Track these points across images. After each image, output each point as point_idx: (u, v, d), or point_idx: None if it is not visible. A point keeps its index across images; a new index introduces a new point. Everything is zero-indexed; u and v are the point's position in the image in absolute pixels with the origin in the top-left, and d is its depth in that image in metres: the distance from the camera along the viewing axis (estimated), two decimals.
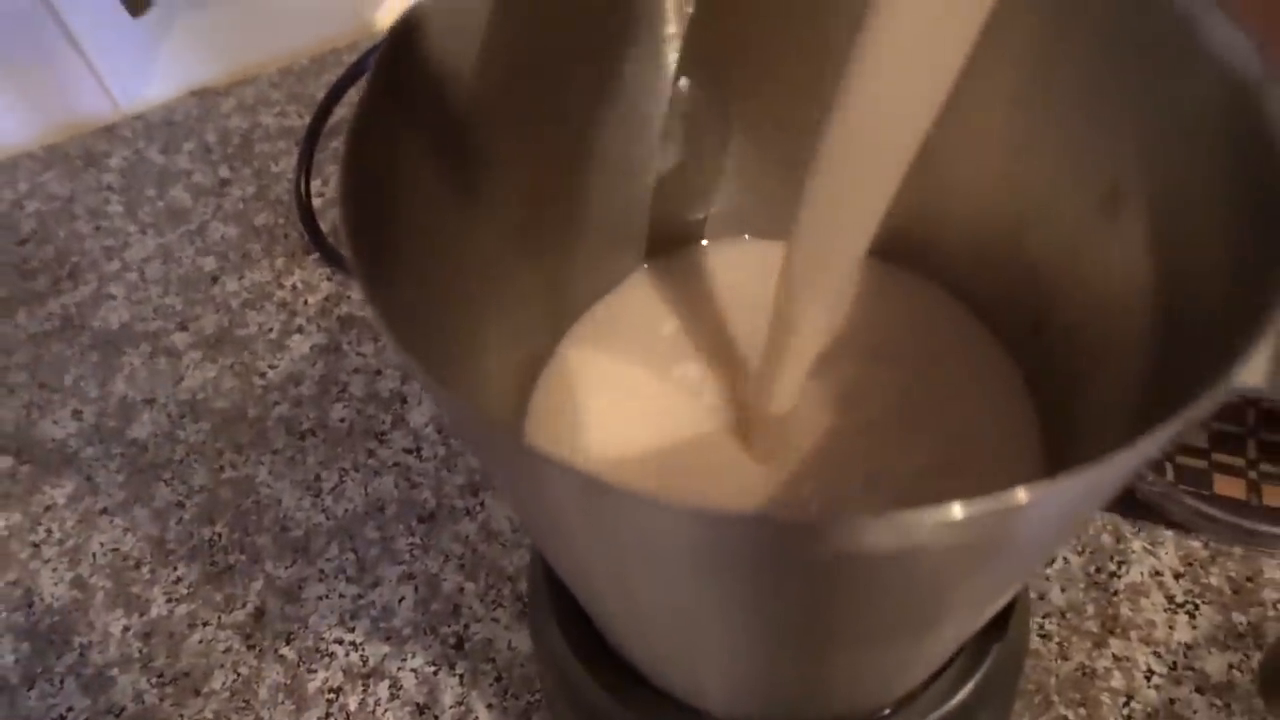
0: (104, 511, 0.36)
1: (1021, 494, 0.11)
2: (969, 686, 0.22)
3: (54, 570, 0.35)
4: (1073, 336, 0.21)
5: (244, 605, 0.33)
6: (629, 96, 0.22)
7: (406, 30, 0.18)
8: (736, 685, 0.19)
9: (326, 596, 0.33)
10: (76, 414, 0.39)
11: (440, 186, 0.20)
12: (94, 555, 0.35)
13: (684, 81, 0.22)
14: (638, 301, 0.25)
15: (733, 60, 0.22)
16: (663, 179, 0.24)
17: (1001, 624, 0.23)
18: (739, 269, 0.25)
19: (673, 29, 0.22)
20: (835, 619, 0.16)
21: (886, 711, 0.22)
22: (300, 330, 0.41)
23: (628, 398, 0.23)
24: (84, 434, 0.38)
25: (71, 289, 0.43)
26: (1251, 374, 0.13)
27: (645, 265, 0.26)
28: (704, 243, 0.26)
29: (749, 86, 0.23)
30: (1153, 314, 0.18)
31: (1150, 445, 0.12)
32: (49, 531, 0.36)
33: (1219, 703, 0.29)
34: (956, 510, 0.11)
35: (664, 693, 0.22)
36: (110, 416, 0.39)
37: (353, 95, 0.50)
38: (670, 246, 0.25)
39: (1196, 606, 0.30)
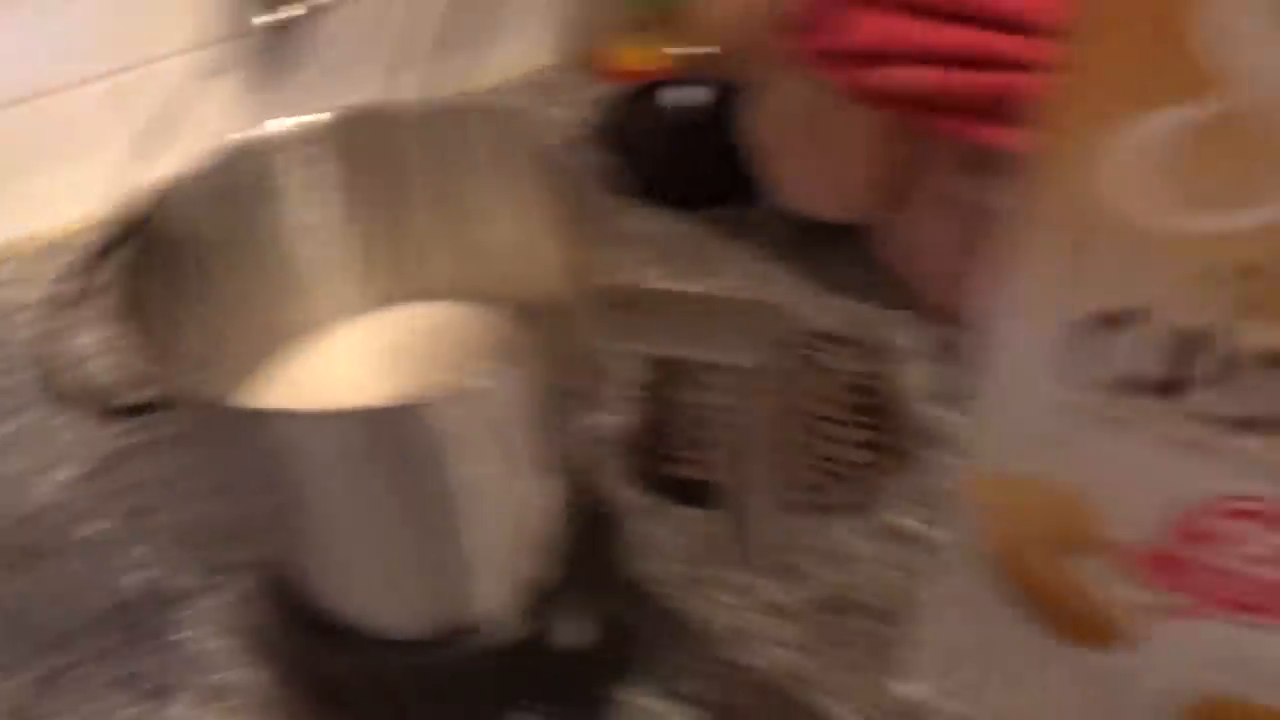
0: None
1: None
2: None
3: None
4: None
5: (8, 697, 0.38)
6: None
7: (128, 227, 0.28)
8: (363, 590, 0.29)
9: (88, 675, 0.39)
10: None
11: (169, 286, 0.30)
12: None
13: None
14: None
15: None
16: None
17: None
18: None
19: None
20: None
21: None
22: (52, 468, 0.47)
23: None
24: None
25: None
26: None
27: None
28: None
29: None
30: None
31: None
32: None
33: None
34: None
35: (331, 622, 0.31)
36: None
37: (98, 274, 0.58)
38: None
39: None
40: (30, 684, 0.39)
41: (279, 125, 0.29)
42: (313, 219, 0.32)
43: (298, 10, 0.60)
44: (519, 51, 0.73)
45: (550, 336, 0.25)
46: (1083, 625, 0.25)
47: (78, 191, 0.60)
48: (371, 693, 0.31)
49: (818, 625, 0.40)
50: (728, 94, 0.61)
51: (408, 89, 0.66)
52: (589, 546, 0.34)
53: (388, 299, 0.34)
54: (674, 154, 0.63)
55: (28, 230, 0.60)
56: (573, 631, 0.33)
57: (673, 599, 0.42)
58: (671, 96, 0.64)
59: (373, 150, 0.31)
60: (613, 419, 0.49)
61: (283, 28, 0.61)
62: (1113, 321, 0.20)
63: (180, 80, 0.61)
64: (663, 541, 0.44)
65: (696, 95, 0.63)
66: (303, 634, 0.31)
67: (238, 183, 0.29)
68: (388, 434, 0.23)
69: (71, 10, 0.55)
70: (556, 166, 0.29)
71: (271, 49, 0.63)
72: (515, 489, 0.27)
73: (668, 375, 0.51)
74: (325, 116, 0.30)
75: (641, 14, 0.72)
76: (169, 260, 0.28)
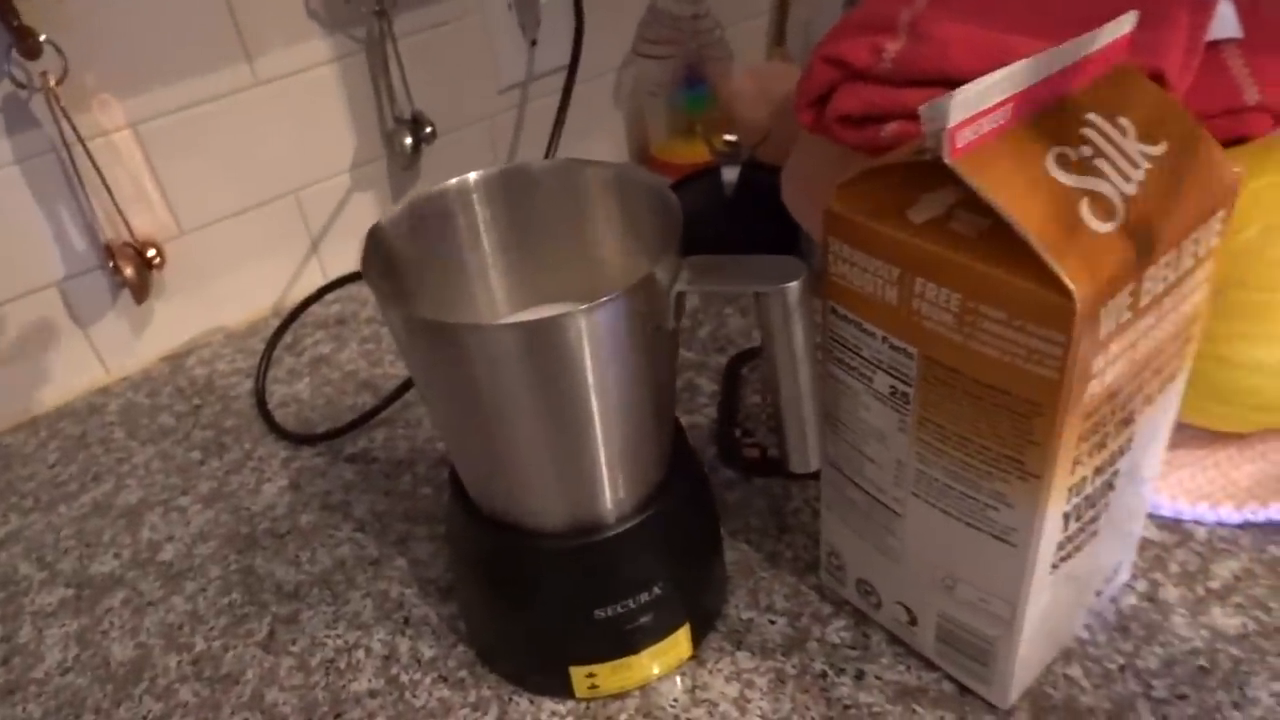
0: (150, 604, 0.53)
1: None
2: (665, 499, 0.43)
3: (119, 643, 0.51)
4: None
5: (260, 631, 0.51)
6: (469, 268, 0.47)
7: (372, 234, 0.41)
8: (527, 490, 0.40)
9: (314, 616, 0.51)
10: (117, 555, 0.56)
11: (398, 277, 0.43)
12: (147, 628, 0.52)
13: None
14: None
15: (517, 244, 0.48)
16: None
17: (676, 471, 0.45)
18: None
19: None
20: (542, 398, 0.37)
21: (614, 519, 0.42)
22: (270, 480, 0.61)
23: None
24: (124, 565, 0.56)
25: (95, 487, 0.62)
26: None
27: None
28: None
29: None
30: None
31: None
32: (110, 624, 0.52)
33: None
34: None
35: (497, 520, 0.43)
36: (142, 551, 0.56)
37: (288, 338, 0.74)
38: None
39: None
40: (273, 623, 0.51)
41: (452, 181, 0.43)
42: (475, 245, 0.45)
43: (427, 131, 0.77)
44: (597, 152, 0.89)
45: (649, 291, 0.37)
46: None
47: (264, 285, 0.77)
48: (521, 572, 0.43)
49: None
50: (762, 169, 0.75)
51: None
52: (689, 461, 0.45)
53: (526, 303, 0.47)
54: (732, 217, 0.76)
55: (224, 319, 0.76)
56: (679, 524, 0.44)
57: (756, 541, 0.52)
58: (726, 175, 0.78)
59: (517, 196, 0.44)
60: (702, 418, 0.61)
61: (417, 147, 0.77)
62: None
63: (345, 191, 0.78)
64: (745, 502, 0.55)
65: (737, 173, 0.77)
66: (475, 528, 0.43)
67: (427, 218, 0.43)
68: (540, 342, 0.35)
69: (261, 146, 0.72)
70: (648, 204, 0.42)
71: (411, 165, 0.80)
72: (635, 401, 0.39)
73: (735, 383, 0.63)
74: (485, 172, 0.43)
75: (684, 118, 0.88)
76: (386, 270, 0.41)
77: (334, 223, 0.78)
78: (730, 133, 0.78)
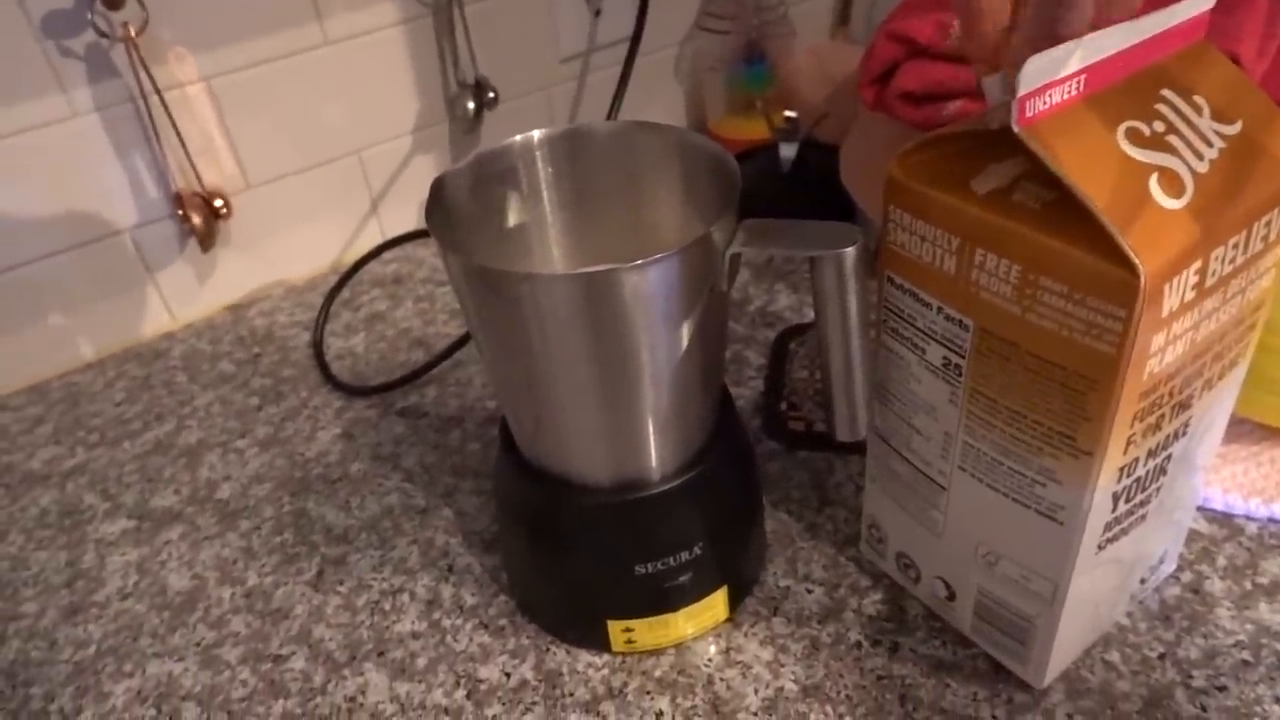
0: (206, 539, 0.55)
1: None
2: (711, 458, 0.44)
3: (176, 573, 0.53)
4: None
5: (310, 570, 0.52)
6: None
7: (437, 185, 0.42)
8: (575, 444, 0.41)
9: (362, 559, 0.53)
10: (177, 492, 0.59)
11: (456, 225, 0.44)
12: (203, 561, 0.54)
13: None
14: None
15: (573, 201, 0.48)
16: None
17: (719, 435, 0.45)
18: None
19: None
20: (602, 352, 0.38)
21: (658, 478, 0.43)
22: (324, 428, 0.62)
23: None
24: (183, 501, 0.58)
25: (158, 426, 0.64)
26: None
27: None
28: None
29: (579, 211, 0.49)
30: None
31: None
32: (168, 555, 0.54)
33: None
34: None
35: (548, 474, 0.43)
36: (201, 489, 0.59)
37: (345, 294, 0.76)
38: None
39: None
40: (322, 563, 0.53)
41: (517, 138, 0.44)
42: (536, 202, 0.46)
43: (490, 97, 0.78)
44: None
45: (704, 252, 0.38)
46: None
47: (324, 242, 0.79)
48: (565, 525, 0.44)
49: None
50: (820, 147, 0.74)
51: None
52: (734, 427, 0.46)
53: (581, 263, 0.47)
54: (789, 193, 0.76)
55: (285, 273, 0.78)
56: (721, 487, 0.44)
57: (797, 512, 0.53)
58: (784, 151, 0.78)
59: (579, 156, 0.45)
60: (748, 390, 0.61)
61: (479, 113, 0.78)
62: None
63: (407, 153, 0.79)
64: (787, 474, 0.55)
65: (795, 150, 0.77)
66: (522, 480, 0.44)
67: (490, 173, 0.44)
68: (596, 294, 0.35)
69: (328, 106, 0.74)
70: (707, 168, 0.42)
71: (472, 130, 0.81)
72: (685, 362, 0.39)
73: (783, 357, 0.63)
74: (549, 131, 0.44)
75: (742, 95, 0.88)
76: (447, 221, 0.42)
77: (394, 184, 0.80)
78: (790, 109, 0.78)
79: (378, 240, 0.81)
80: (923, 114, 0.57)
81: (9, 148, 0.63)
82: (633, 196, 0.46)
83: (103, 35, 0.63)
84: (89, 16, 0.62)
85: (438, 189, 0.41)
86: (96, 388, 0.69)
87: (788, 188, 0.77)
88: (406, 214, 0.82)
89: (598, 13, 0.83)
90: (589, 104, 0.87)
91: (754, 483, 0.48)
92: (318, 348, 0.69)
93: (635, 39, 0.75)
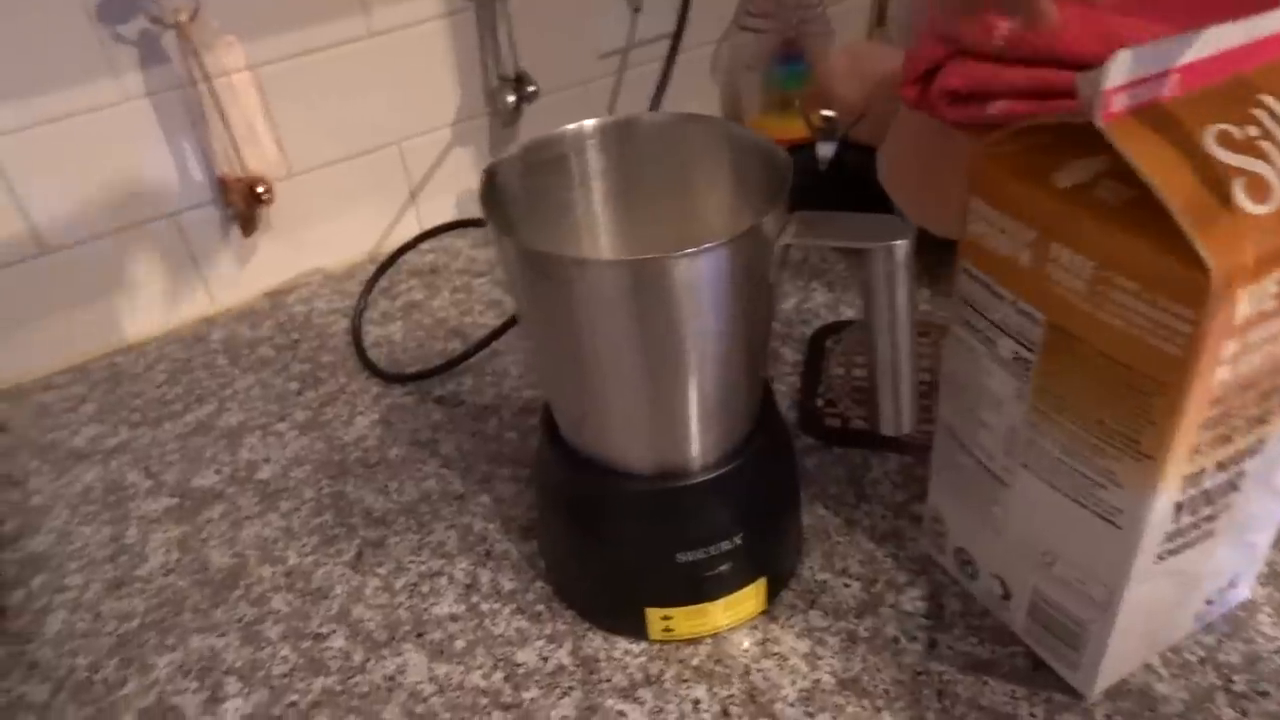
0: (247, 518, 0.56)
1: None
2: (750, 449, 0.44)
3: (217, 550, 0.54)
4: None
5: (349, 551, 0.53)
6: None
7: (490, 171, 0.43)
8: (620, 431, 0.41)
9: (400, 542, 0.53)
10: (217, 472, 0.59)
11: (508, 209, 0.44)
12: (244, 539, 0.54)
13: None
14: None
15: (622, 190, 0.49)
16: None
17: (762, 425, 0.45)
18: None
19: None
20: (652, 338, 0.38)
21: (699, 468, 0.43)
22: (362, 414, 0.63)
23: None
24: (224, 481, 0.59)
25: (199, 408, 0.65)
26: None
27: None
28: None
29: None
30: None
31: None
32: (209, 533, 0.55)
33: None
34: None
35: (590, 461, 0.44)
36: (241, 470, 0.59)
37: (383, 283, 0.76)
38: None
39: None
40: (361, 545, 0.54)
41: (568, 126, 0.44)
42: (585, 191, 0.46)
43: (530, 90, 0.78)
44: None
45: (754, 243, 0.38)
46: None
47: (363, 231, 0.80)
48: (606, 511, 0.44)
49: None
50: (857, 147, 0.74)
51: None
52: (774, 420, 0.46)
53: (628, 249, 0.48)
54: (826, 193, 0.76)
55: (324, 261, 0.79)
56: (761, 478, 0.45)
57: (834, 507, 0.53)
58: (821, 151, 0.78)
59: (629, 146, 0.45)
60: (783, 386, 0.62)
61: (519, 106, 0.79)
62: None
63: (446, 145, 0.80)
64: (823, 470, 0.55)
65: (833, 149, 0.77)
66: (565, 466, 0.45)
67: (541, 160, 0.44)
68: (645, 281, 0.36)
69: (370, 96, 0.74)
70: (758, 160, 0.43)
71: (512, 123, 0.81)
72: (731, 352, 0.40)
73: (819, 354, 0.63)
74: (600, 120, 0.45)
75: (779, 93, 0.88)
76: (498, 205, 0.42)
77: (433, 175, 0.80)
78: (828, 109, 0.78)
79: (415, 230, 0.82)
80: (966, 113, 0.57)
81: (60, 130, 0.64)
82: (681, 187, 0.46)
83: (155, 21, 0.64)
84: (143, 2, 0.63)
85: (491, 175, 0.41)
86: (138, 369, 0.70)
87: (825, 187, 0.77)
88: (444, 205, 0.82)
89: (638, 9, 0.83)
90: (627, 99, 0.87)
91: (793, 475, 0.49)
92: (356, 335, 0.70)
93: (677, 36, 0.75)
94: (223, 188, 0.70)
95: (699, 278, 0.37)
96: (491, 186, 0.41)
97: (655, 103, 0.74)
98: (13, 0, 0.60)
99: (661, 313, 0.37)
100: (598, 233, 0.47)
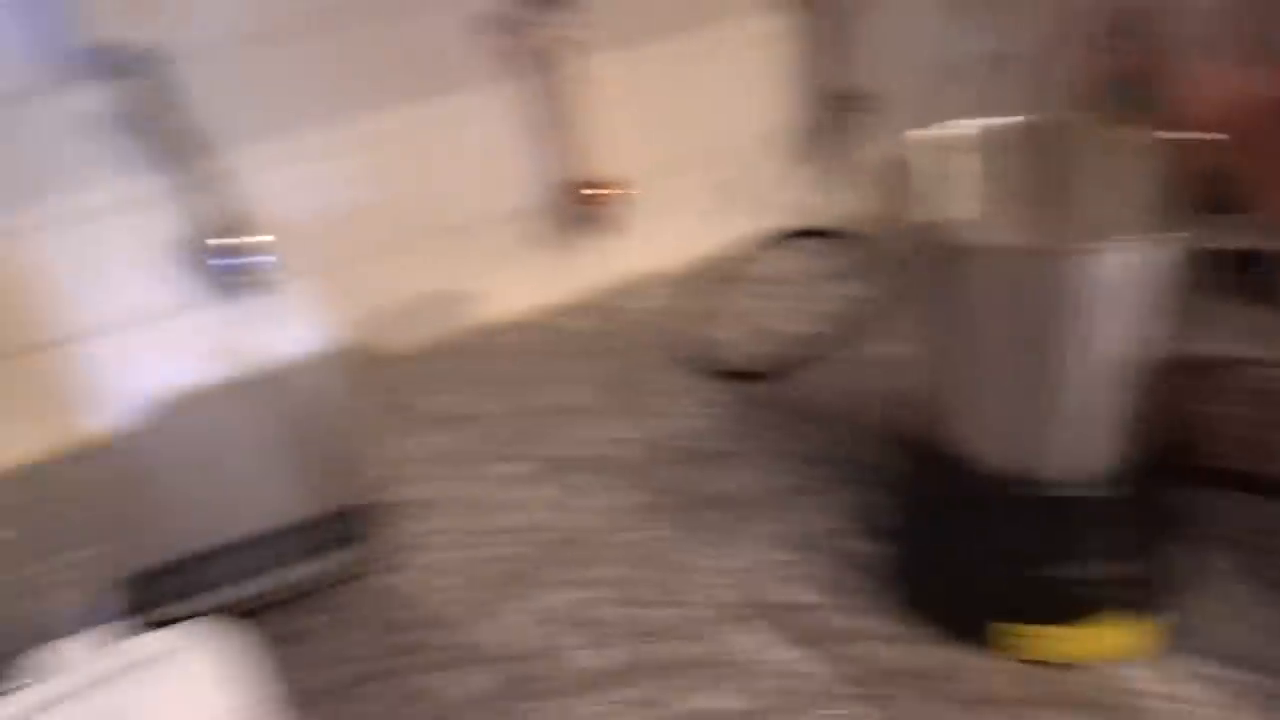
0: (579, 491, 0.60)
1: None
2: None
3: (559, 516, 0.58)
4: None
5: (695, 533, 0.55)
6: None
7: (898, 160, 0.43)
8: (1002, 434, 0.39)
9: (747, 531, 0.54)
10: (558, 447, 0.64)
11: None
12: (580, 509, 0.58)
13: None
14: None
15: None
16: None
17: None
18: None
19: None
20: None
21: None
22: (706, 409, 0.65)
23: None
24: (559, 458, 0.63)
25: (537, 390, 0.70)
26: None
27: None
28: None
29: None
30: None
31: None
32: (552, 501, 0.59)
33: None
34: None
35: (967, 465, 0.42)
36: (576, 448, 0.63)
37: (724, 287, 0.79)
38: None
39: None
40: (705, 529, 0.55)
41: (974, 122, 0.44)
42: (990, 186, 0.45)
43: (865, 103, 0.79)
44: None
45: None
46: None
47: (703, 236, 0.83)
48: (965, 516, 0.42)
49: None
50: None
51: None
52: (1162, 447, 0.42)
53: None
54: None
55: (664, 263, 0.83)
56: (1145, 506, 0.41)
57: (1221, 552, 0.47)
58: None
59: (1029, 146, 0.44)
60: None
61: (852, 118, 0.80)
62: None
63: (784, 154, 0.82)
64: (1212, 510, 0.50)
65: None
66: (939, 472, 0.44)
67: (940, 156, 0.44)
68: (1068, 273, 0.34)
69: (716, 104, 0.78)
70: (1163, 166, 0.40)
71: (846, 134, 0.82)
72: (1135, 361, 0.37)
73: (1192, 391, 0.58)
74: (1002, 120, 0.44)
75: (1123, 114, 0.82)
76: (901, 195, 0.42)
77: (772, 184, 0.82)
78: (1184, 131, 0.72)
79: (752, 237, 0.83)
80: None
81: (441, 130, 0.72)
82: (1089, 192, 0.44)
83: (523, 30, 0.70)
84: (515, 14, 0.70)
85: (897, 164, 0.42)
86: (484, 350, 0.76)
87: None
88: (782, 214, 0.83)
89: (972, 25, 0.81)
90: (959, 114, 0.85)
91: (1177, 509, 0.45)
92: (699, 336, 0.73)
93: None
94: (571, 189, 0.76)
95: (1119, 276, 0.35)
96: (896, 175, 0.42)
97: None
98: (410, 14, 0.68)
99: (1075, 310, 0.36)
100: (999, 231, 0.46)
